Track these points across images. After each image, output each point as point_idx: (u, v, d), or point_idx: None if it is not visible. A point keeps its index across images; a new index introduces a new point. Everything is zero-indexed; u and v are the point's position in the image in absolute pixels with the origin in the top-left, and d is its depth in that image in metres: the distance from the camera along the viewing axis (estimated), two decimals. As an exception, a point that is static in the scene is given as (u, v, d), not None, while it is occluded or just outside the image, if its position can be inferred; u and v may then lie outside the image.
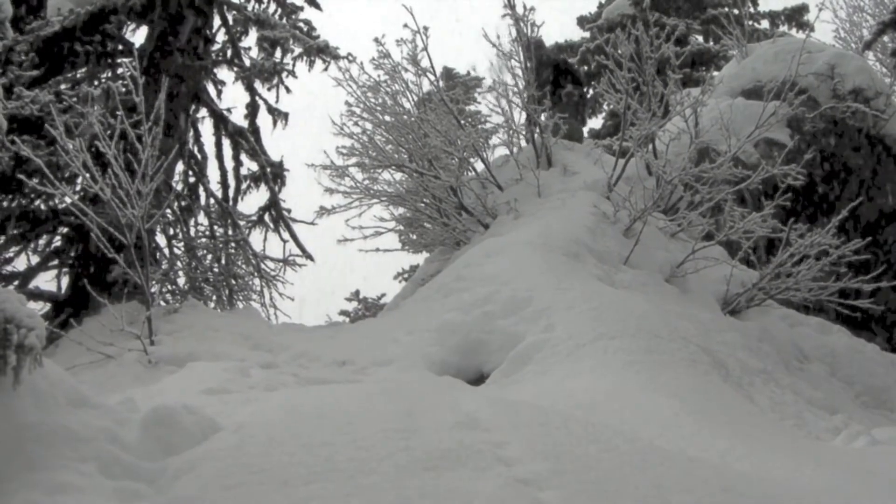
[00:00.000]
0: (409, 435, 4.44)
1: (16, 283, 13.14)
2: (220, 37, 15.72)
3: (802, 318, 11.91)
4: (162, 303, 12.40)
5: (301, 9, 16.09)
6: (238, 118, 15.79)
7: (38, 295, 13.19)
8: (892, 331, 14.32)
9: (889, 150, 15.93)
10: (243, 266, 15.44)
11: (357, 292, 33.20)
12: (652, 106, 12.49)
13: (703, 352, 9.05)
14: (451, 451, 4.27)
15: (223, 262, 15.10)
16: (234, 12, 15.43)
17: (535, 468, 4.16)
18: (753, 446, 5.99)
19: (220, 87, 15.90)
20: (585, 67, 27.44)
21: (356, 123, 14.52)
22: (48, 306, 13.19)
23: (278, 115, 15.93)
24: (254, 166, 15.81)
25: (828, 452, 6.56)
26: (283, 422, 4.91)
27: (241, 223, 15.59)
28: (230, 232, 15.41)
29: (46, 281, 13.68)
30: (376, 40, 14.55)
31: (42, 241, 13.60)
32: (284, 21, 15.86)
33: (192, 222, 15.47)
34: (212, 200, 15.64)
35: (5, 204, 12.64)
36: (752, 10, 27.16)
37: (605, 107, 28.80)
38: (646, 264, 11.50)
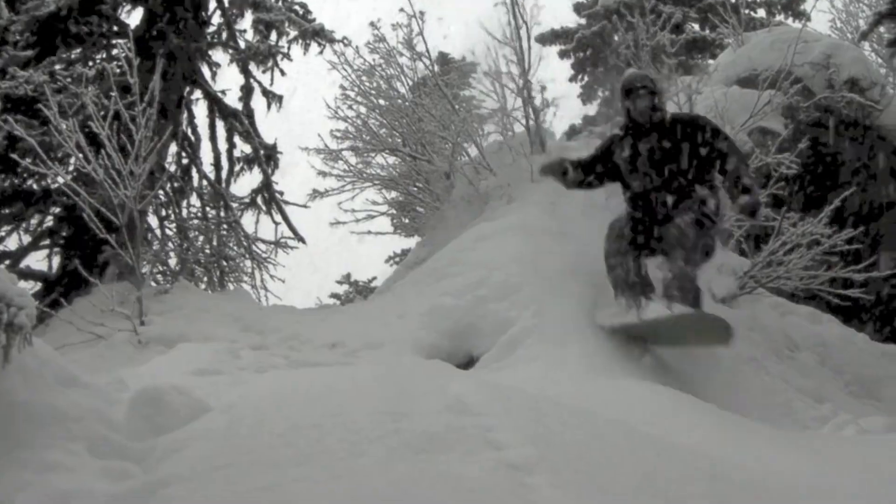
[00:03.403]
0: (400, 418, 4.45)
1: (7, 262, 13.15)
2: (216, 19, 15.72)
3: (793, 307, 11.93)
4: (153, 283, 12.40)
5: (297, -9, 16.10)
6: (232, 100, 15.80)
7: (29, 274, 13.21)
8: (882, 321, 14.36)
9: (883, 141, 15.95)
10: (235, 248, 15.46)
11: (348, 275, 33.31)
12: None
13: (694, 339, 9.06)
14: (441, 435, 4.28)
15: (215, 243, 15.09)
16: (230, -6, 15.45)
17: (523, 453, 4.16)
18: (742, 434, 6.01)
19: (214, 69, 15.90)
20: (581, 54, 27.50)
21: (350, 107, 14.56)
22: (39, 286, 13.20)
23: (273, 97, 15.95)
24: (247, 148, 15.83)
25: (815, 441, 6.59)
26: (273, 403, 4.92)
27: (234, 205, 15.60)
28: (222, 214, 15.42)
29: (38, 260, 13.71)
30: (372, 24, 14.56)
31: (34, 221, 13.61)
32: (280, 4, 15.86)
33: (184, 204, 15.49)
34: (204, 182, 15.65)
35: (-2, 183, 12.66)
36: (748, -2, 27.21)
37: (599, 93, 28.87)
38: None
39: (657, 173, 8.87)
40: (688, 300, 8.24)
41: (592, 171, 9.56)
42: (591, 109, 29.81)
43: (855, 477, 5.18)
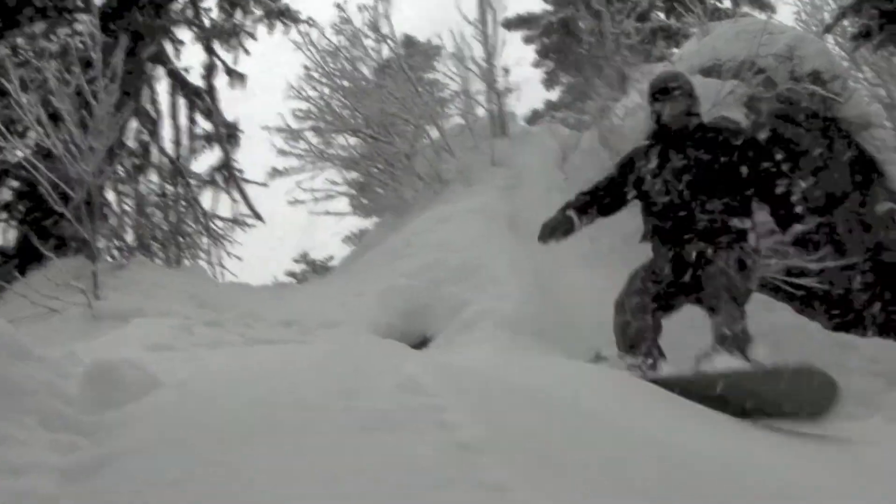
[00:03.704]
0: (352, 396, 4.45)
1: (-39, 236, 13.09)
2: (182, -4, 15.68)
3: (748, 296, 12.02)
4: (109, 258, 12.38)
5: (263, -30, 16.06)
6: (195, 78, 15.77)
7: (-17, 247, 13.16)
8: (834, 310, 14.46)
9: (842, 133, 16.03)
10: (192, 224, 15.46)
11: (305, 254, 33.27)
12: (610, 80, 12.51)
13: (651, 327, 9.10)
14: (393, 414, 4.28)
15: (172, 219, 15.08)
16: (196, -29, 15.39)
17: (474, 433, 4.16)
18: (698, 423, 6.05)
19: (178, 46, 15.87)
20: (546, 40, 27.50)
21: (314, 88, 14.56)
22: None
23: (236, 76, 15.92)
24: (208, 126, 15.80)
25: (770, 430, 6.63)
26: (226, 380, 4.92)
27: (193, 182, 15.58)
28: (181, 190, 15.40)
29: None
30: (338, 5, 14.56)
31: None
32: (246, -18, 15.82)
33: (142, 179, 15.45)
34: (164, 158, 15.61)
35: (-45, 157, 12.59)
36: (714, -12, 27.28)
37: (562, 80, 28.93)
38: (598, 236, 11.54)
39: (690, 191, 7.29)
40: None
41: (614, 197, 7.89)
42: (554, 95, 29.98)
43: (812, 467, 5.24)
